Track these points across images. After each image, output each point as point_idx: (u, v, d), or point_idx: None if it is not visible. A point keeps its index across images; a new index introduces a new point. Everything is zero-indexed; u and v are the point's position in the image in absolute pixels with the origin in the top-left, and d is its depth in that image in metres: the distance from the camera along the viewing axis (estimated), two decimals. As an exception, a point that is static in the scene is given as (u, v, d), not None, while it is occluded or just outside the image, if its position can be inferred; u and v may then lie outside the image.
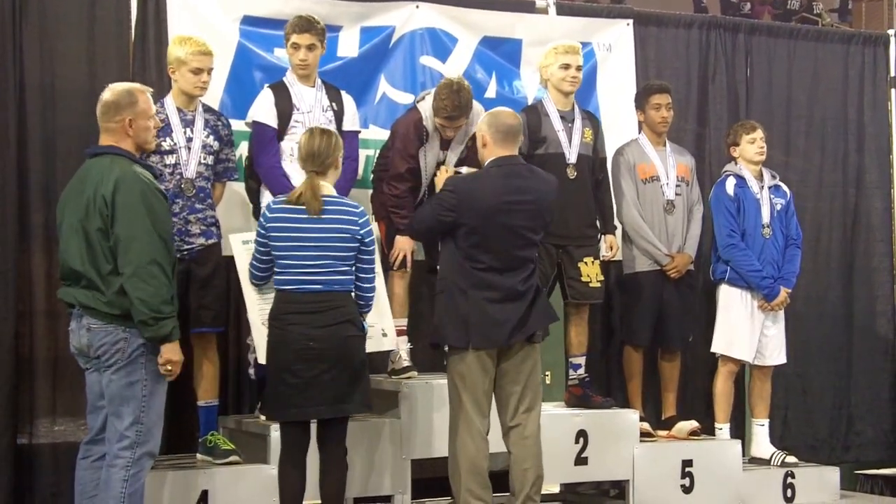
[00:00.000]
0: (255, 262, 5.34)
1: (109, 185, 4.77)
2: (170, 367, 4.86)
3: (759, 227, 7.01)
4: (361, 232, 5.23)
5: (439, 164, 6.23)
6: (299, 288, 5.13)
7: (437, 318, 5.53)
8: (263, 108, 6.00)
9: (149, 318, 4.73)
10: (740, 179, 7.04)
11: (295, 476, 5.17)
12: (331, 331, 5.12)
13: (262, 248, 5.24)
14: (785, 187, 7.22)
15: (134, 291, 4.72)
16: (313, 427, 5.27)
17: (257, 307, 5.47)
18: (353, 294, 5.25)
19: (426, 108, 6.19)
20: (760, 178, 7.10)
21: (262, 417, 5.53)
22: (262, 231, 5.22)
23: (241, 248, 5.59)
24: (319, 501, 5.28)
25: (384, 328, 5.79)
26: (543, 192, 5.53)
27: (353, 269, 5.23)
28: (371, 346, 5.52)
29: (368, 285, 5.31)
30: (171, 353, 4.84)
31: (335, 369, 5.12)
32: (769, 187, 7.10)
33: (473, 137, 5.98)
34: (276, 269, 5.20)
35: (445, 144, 6.26)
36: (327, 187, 5.26)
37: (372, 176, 6.50)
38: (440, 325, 5.49)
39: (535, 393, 5.48)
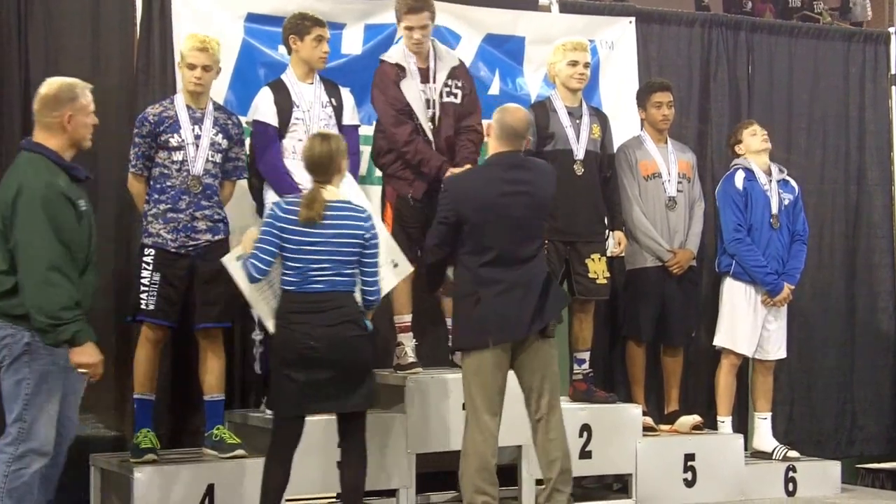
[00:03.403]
0: (264, 255, 5.16)
1: (13, 189, 4.65)
2: (84, 371, 4.71)
3: (767, 219, 7.02)
4: (366, 235, 5.21)
5: (427, 101, 6.19)
6: (302, 289, 5.11)
7: (454, 326, 5.53)
8: (264, 107, 6.02)
9: (46, 326, 4.58)
10: (749, 172, 7.05)
11: (281, 473, 5.17)
12: (332, 331, 5.09)
13: (274, 240, 5.14)
14: (793, 182, 7.23)
15: (29, 299, 4.58)
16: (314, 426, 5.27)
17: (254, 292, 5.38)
18: (355, 294, 5.22)
19: (391, 52, 6.24)
20: (769, 171, 7.12)
21: (268, 412, 5.53)
22: (278, 224, 5.13)
23: (234, 265, 5.41)
24: (332, 495, 5.28)
25: (393, 259, 5.68)
26: (540, 182, 5.51)
27: (357, 270, 5.21)
28: (389, 281, 5.53)
29: (374, 288, 5.28)
30: (80, 356, 4.66)
31: (337, 369, 5.10)
32: (777, 181, 7.13)
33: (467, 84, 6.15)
34: (283, 270, 5.15)
35: (424, 78, 6.21)
36: (332, 192, 5.22)
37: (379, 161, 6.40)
38: (458, 332, 5.50)
39: (553, 387, 5.44)
